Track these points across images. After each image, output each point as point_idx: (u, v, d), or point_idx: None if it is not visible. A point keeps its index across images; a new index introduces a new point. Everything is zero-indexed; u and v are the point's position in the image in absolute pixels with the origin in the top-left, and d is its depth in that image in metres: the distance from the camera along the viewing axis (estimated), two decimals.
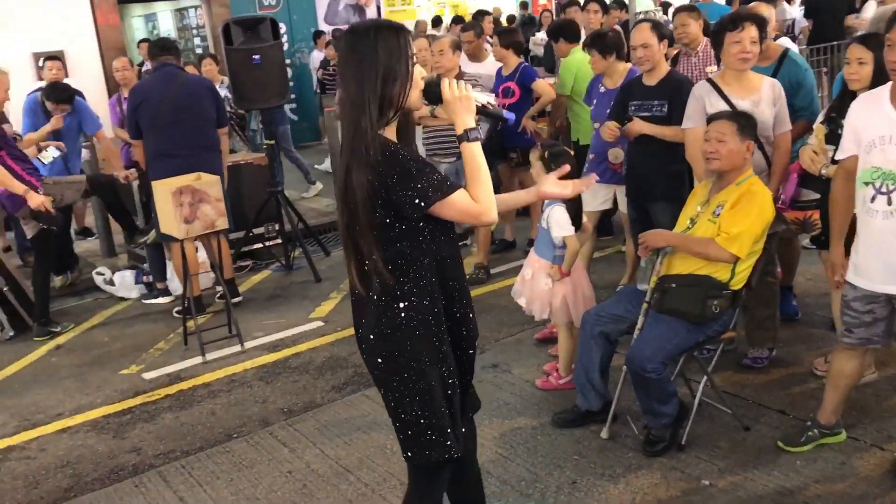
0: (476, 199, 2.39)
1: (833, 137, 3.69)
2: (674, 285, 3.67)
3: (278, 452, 4.05)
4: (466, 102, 2.43)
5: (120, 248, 7.91)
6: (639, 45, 4.68)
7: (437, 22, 13.52)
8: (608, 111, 5.15)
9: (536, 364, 4.74)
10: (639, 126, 4.70)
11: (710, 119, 3.84)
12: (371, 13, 14.75)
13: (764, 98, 4.15)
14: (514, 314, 5.30)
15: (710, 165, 3.75)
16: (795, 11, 12.00)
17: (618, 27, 7.71)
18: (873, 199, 3.18)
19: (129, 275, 6.93)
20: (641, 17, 8.04)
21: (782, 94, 4.20)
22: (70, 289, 6.98)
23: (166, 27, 16.35)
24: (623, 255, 6.17)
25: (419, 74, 2.42)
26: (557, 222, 4.11)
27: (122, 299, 6.82)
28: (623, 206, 5.36)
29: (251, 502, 3.65)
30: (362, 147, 2.30)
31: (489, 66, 6.88)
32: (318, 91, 12.57)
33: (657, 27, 4.75)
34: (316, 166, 10.87)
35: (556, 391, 4.39)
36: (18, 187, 5.67)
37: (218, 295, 6.37)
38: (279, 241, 7.31)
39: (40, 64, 8.53)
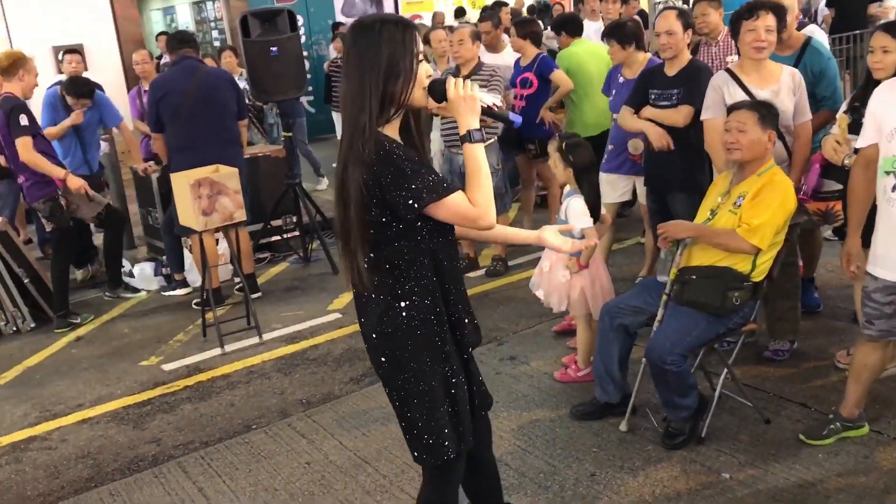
0: (474, 203, 2.31)
1: (856, 127, 3.64)
2: (694, 277, 3.64)
3: (297, 443, 4.06)
4: (471, 103, 2.37)
5: (139, 240, 7.97)
6: (663, 31, 4.66)
7: (460, 13, 13.46)
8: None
9: (555, 356, 4.73)
10: (648, 113, 4.69)
11: (731, 109, 3.80)
12: (388, 5, 14.72)
13: (783, 87, 4.10)
14: (532, 306, 5.29)
15: (732, 156, 3.71)
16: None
17: (637, 17, 7.65)
18: (894, 188, 3.14)
19: (148, 266, 6.97)
20: (663, 5, 7.97)
21: (802, 84, 4.14)
22: (91, 281, 7.03)
23: (184, 20, 16.40)
24: (642, 247, 6.14)
25: (424, 72, 2.37)
26: (576, 214, 4.08)
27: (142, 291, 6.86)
28: (642, 198, 5.32)
29: (270, 493, 3.66)
30: (359, 143, 2.26)
31: (507, 56, 6.86)
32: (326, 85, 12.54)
33: (683, 15, 4.72)
34: (334, 165, 10.88)
35: (575, 383, 4.37)
36: (57, 171, 5.81)
37: (237, 287, 6.39)
38: (297, 233, 7.32)
39: (60, 57, 8.58)
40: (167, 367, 5.23)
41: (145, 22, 16.04)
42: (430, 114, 7.02)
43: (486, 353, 4.89)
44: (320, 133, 12.72)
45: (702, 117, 4.34)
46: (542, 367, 4.64)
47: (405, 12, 14.58)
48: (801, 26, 5.29)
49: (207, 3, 15.29)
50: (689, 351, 3.59)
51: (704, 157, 4.57)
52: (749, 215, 3.56)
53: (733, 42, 5.18)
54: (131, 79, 10.41)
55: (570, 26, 6.88)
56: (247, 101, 8.49)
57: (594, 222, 4.11)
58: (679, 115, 4.59)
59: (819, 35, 5.27)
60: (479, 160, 2.35)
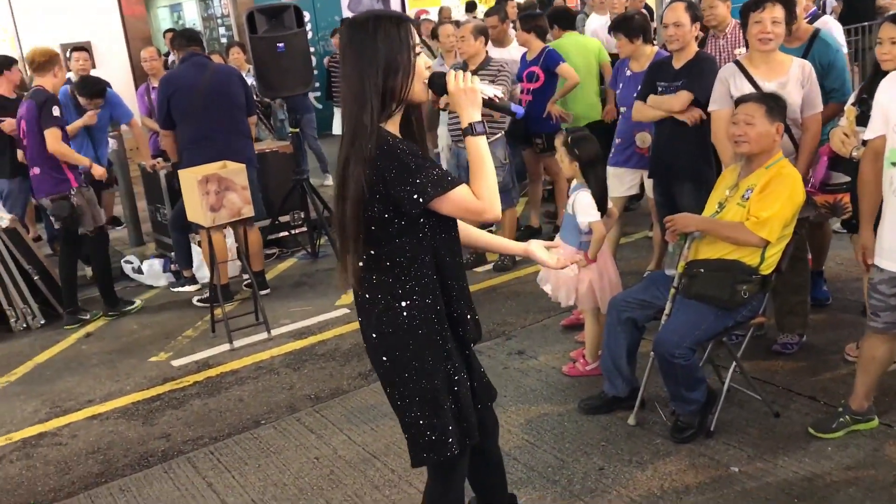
0: (479, 196, 2.30)
1: (864, 119, 3.62)
2: (702, 270, 3.63)
3: (305, 438, 4.07)
4: (472, 95, 2.35)
5: (148, 236, 7.99)
6: (671, 23, 4.65)
7: (471, 7, 13.42)
8: (635, 94, 5.12)
9: (563, 350, 4.72)
10: (650, 101, 4.71)
11: (738, 102, 3.79)
12: (395, 1, 14.71)
13: (791, 79, 4.08)
14: (539, 300, 5.29)
15: (740, 149, 3.70)
16: None
17: (644, 10, 7.62)
18: None
19: (157, 263, 7.00)
20: None
21: (812, 76, 4.12)
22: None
23: (191, 16, 16.42)
24: (650, 241, 6.13)
25: (423, 65, 2.36)
26: (583, 208, 4.08)
27: (151, 287, 6.89)
28: (650, 191, 5.31)
29: (279, 488, 3.67)
30: (362, 141, 2.25)
31: (514, 51, 6.85)
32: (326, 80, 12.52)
33: (691, 7, 4.70)
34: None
35: (583, 377, 4.37)
36: (84, 160, 6.00)
37: (245, 283, 6.40)
38: (304, 228, 7.34)
39: (67, 55, 8.61)
40: (176, 362, 5.24)
41: (152, 19, 16.07)
42: (438, 109, 7.05)
43: (493, 348, 4.89)
44: (324, 129, 12.73)
45: (709, 108, 4.33)
46: (550, 361, 4.64)
47: (411, 8, 14.57)
48: (814, 18, 5.27)
49: (214, 0, 15.30)
50: (698, 344, 3.58)
51: (710, 149, 4.56)
52: (757, 208, 3.54)
53: (741, 34, 5.19)
54: (139, 76, 10.43)
55: (563, 20, 6.94)
56: (254, 97, 8.52)
57: (601, 216, 4.11)
58: (677, 101, 4.58)
59: (833, 26, 5.25)
60: (483, 152, 2.34)
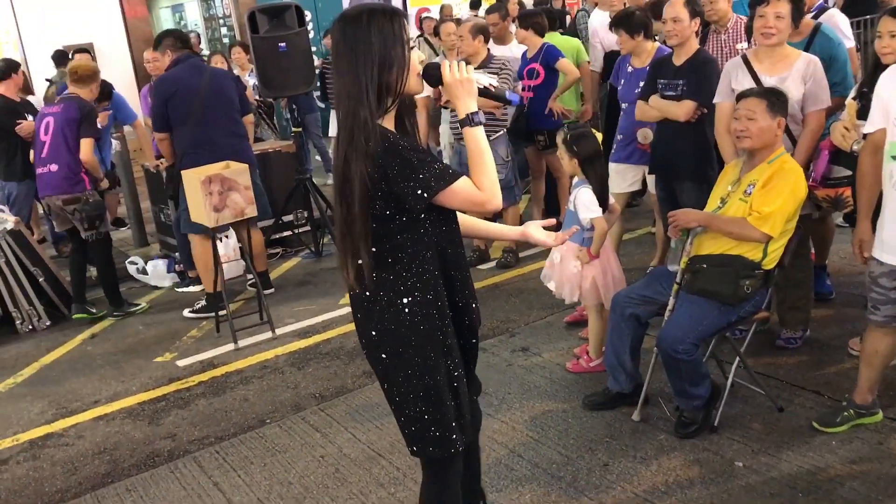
0: (480, 187, 2.31)
1: (865, 113, 3.62)
2: (705, 266, 3.64)
3: (311, 437, 4.08)
4: (468, 86, 2.35)
5: (152, 237, 8.01)
6: (669, 18, 4.66)
7: (475, 5, 13.41)
8: (637, 91, 5.13)
9: (567, 347, 4.73)
10: (652, 104, 4.74)
11: (740, 97, 3.79)
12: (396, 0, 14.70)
13: (793, 75, 4.08)
14: (543, 297, 5.29)
15: (741, 144, 3.70)
16: None
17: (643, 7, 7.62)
18: None
19: (161, 263, 7.01)
20: None
21: (817, 72, 4.10)
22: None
23: (193, 17, 16.44)
24: (653, 237, 6.13)
25: (416, 58, 2.35)
26: (585, 204, 4.09)
27: (156, 288, 6.91)
28: (653, 187, 5.31)
29: (284, 487, 3.69)
30: (361, 138, 2.23)
31: (515, 48, 6.85)
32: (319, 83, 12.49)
33: (691, 3, 4.70)
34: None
35: (587, 374, 4.37)
36: (100, 173, 6.15)
37: (249, 282, 6.42)
38: (308, 227, 7.35)
39: (70, 57, 8.64)
40: (181, 362, 5.26)
41: (154, 20, 16.09)
42: (441, 106, 7.06)
43: (497, 345, 4.90)
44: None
45: (714, 101, 4.37)
46: (554, 357, 4.64)
47: (413, 6, 14.56)
48: (821, 11, 5.26)
49: (216, 0, 15.32)
50: (701, 340, 3.59)
51: (712, 146, 4.58)
52: (760, 203, 3.55)
53: (742, 29, 5.19)
54: (141, 77, 10.45)
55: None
56: (257, 97, 8.54)
57: (602, 212, 4.11)
58: (680, 110, 4.59)
59: (840, 20, 5.24)
60: (482, 144, 2.34)
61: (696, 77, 4.61)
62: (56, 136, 5.88)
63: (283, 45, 6.53)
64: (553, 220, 2.87)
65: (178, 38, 6.27)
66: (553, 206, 7.08)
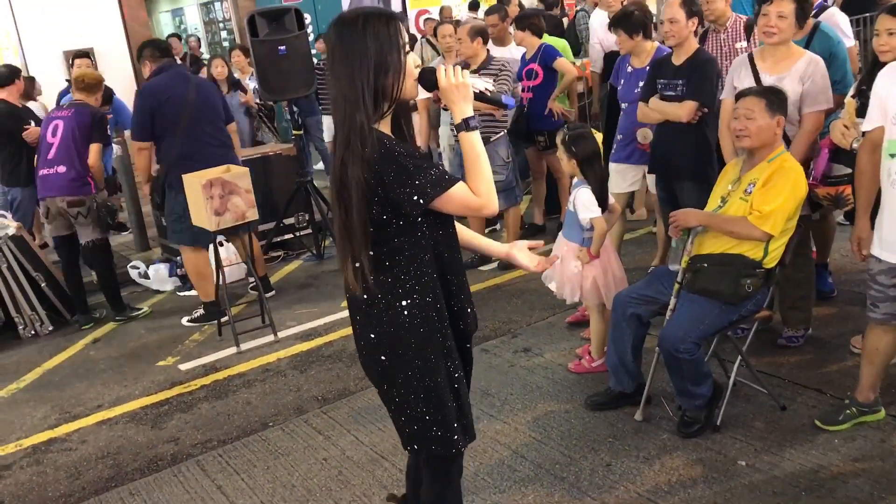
0: (476, 192, 2.31)
1: (864, 111, 3.62)
2: (706, 265, 3.64)
3: (313, 440, 4.09)
4: (464, 90, 2.34)
5: (153, 241, 8.02)
6: (666, 19, 4.68)
7: (474, 6, 13.43)
8: (636, 90, 5.13)
9: (569, 348, 4.73)
10: (653, 105, 4.76)
11: (739, 95, 3.79)
12: (396, 1, 14.71)
13: (792, 75, 4.08)
14: (544, 298, 5.30)
15: (741, 143, 3.71)
16: None
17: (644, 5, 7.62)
18: None
19: (163, 268, 7.02)
20: None
21: (818, 73, 4.09)
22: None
23: (193, 21, 16.47)
24: (654, 236, 6.13)
25: (412, 63, 2.35)
26: (584, 204, 4.09)
27: (158, 292, 6.92)
28: (653, 187, 5.32)
29: (288, 489, 3.69)
30: (358, 143, 2.22)
31: (515, 49, 6.86)
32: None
33: (688, 3, 4.70)
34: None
35: (589, 374, 4.37)
36: (102, 179, 6.14)
37: (251, 286, 6.42)
38: (309, 230, 7.36)
39: (70, 62, 8.65)
40: (184, 366, 5.27)
41: (154, 24, 16.13)
42: (441, 108, 7.04)
43: (499, 346, 4.90)
44: None
45: (720, 97, 4.42)
46: (556, 358, 4.65)
47: (412, 8, 14.57)
48: (821, 10, 5.26)
49: (215, 4, 15.34)
50: (703, 339, 3.59)
51: (712, 147, 4.59)
52: (760, 202, 3.55)
53: (742, 28, 5.20)
54: (141, 82, 10.45)
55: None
56: (257, 100, 8.56)
57: (602, 211, 4.11)
58: (682, 111, 4.59)
59: (840, 18, 5.25)
60: (478, 148, 2.34)
61: (696, 77, 4.62)
62: (65, 139, 5.91)
63: (282, 48, 6.54)
64: (541, 243, 2.85)
65: (156, 48, 6.10)
66: (554, 207, 7.10)
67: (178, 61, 11.68)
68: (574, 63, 7.01)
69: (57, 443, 4.47)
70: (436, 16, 12.21)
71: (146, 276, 7.05)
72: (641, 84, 5.07)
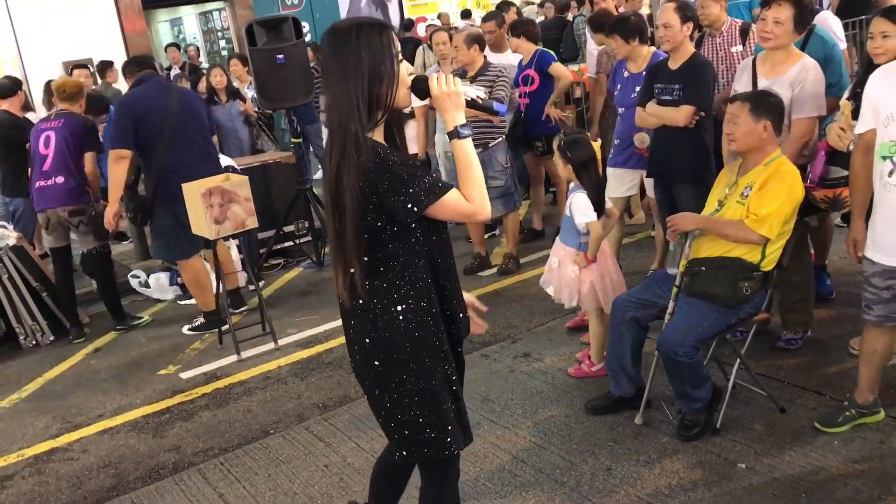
0: (469, 199, 2.35)
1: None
2: (703, 268, 3.65)
3: (314, 447, 4.09)
4: (456, 98, 2.38)
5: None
6: (661, 24, 4.71)
7: (466, 15, 13.49)
8: (633, 95, 5.15)
9: (568, 352, 4.74)
10: (650, 110, 4.78)
11: (731, 100, 3.82)
12: (393, 9, 14.77)
13: (783, 80, 4.10)
14: (544, 303, 5.31)
15: (729, 147, 3.78)
16: None
17: (641, 12, 7.65)
18: (891, 173, 3.15)
19: (163, 277, 7.03)
20: None
21: (809, 78, 4.09)
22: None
23: (191, 31, 16.52)
24: (653, 240, 6.14)
25: (405, 71, 2.38)
26: (579, 209, 4.11)
27: (158, 301, 6.94)
28: (651, 191, 5.33)
29: (289, 497, 3.69)
30: (353, 151, 2.25)
31: (512, 56, 6.88)
32: None
33: (682, 9, 4.72)
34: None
35: (589, 378, 4.38)
36: (97, 187, 6.16)
37: (251, 294, 6.44)
38: (309, 237, 7.37)
39: (69, 73, 8.68)
40: (185, 375, 5.28)
41: (153, 34, 16.17)
42: (438, 115, 7.00)
43: (499, 351, 4.91)
44: None
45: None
46: (556, 363, 4.65)
47: (410, 14, 14.62)
48: (814, 13, 5.28)
49: (214, 13, 15.39)
50: (701, 342, 3.60)
51: (709, 151, 4.61)
52: (757, 205, 3.56)
53: (737, 33, 5.22)
54: None
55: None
56: (256, 109, 8.58)
57: (598, 216, 4.13)
58: (679, 115, 4.61)
59: (832, 22, 5.26)
60: (470, 156, 2.38)
61: (693, 81, 4.63)
62: (60, 150, 5.93)
63: (280, 56, 6.56)
64: (483, 309, 2.80)
65: (134, 64, 6.10)
66: (553, 212, 7.12)
67: (178, 70, 11.76)
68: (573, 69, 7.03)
69: (59, 452, 4.48)
70: (437, 23, 12.27)
71: (147, 286, 7.06)
72: (638, 89, 5.09)
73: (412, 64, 10.00)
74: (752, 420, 3.77)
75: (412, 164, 2.34)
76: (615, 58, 6.13)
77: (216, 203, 5.15)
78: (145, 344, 5.98)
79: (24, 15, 11.17)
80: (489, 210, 2.41)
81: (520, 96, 6.53)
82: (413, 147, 6.81)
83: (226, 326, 5.58)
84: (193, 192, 5.20)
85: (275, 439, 4.24)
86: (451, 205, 2.33)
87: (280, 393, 4.82)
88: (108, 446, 4.46)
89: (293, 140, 7.35)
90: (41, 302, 6.24)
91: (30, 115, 7.77)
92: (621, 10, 8.33)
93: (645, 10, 8.05)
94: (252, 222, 5.35)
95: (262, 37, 6.58)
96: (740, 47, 5.18)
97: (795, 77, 4.10)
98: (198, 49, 14.49)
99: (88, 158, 6.01)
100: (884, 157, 3.17)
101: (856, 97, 3.86)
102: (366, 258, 2.36)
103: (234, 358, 5.38)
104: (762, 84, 4.08)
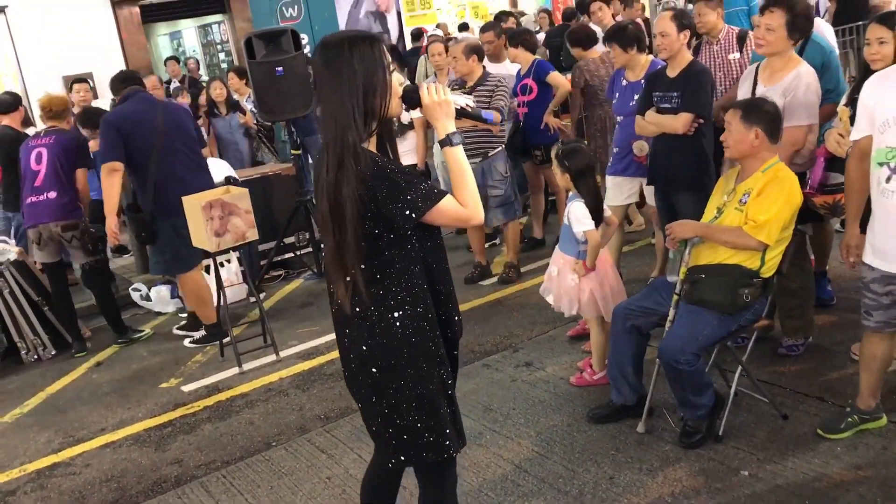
0: (463, 204, 2.42)
1: None
2: (703, 276, 3.65)
3: (317, 459, 4.09)
4: (446, 107, 2.45)
5: None
6: (658, 32, 4.73)
7: (463, 28, 13.55)
8: (632, 104, 5.16)
9: (570, 361, 4.74)
10: (649, 118, 4.81)
11: (727, 108, 3.84)
12: (392, 20, 14.81)
13: (779, 86, 4.11)
14: (545, 312, 5.30)
15: (726, 154, 3.78)
16: None
17: (639, 20, 7.68)
18: (888, 179, 3.15)
19: (164, 290, 7.03)
20: (663, 7, 8.03)
21: (801, 87, 4.07)
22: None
23: (191, 44, 16.57)
24: (653, 248, 6.14)
25: (397, 82, 2.43)
26: (577, 217, 4.11)
27: (159, 314, 6.94)
28: (650, 199, 5.33)
29: None
30: (351, 161, 2.29)
31: (510, 66, 6.90)
32: None
33: (678, 17, 4.74)
34: None
35: (591, 387, 4.38)
36: (87, 201, 6.15)
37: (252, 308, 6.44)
38: (310, 249, 7.38)
39: (69, 87, 8.71)
40: (186, 388, 5.28)
41: (153, 48, 16.21)
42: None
43: (501, 361, 4.91)
44: None
45: None
46: (557, 372, 4.65)
47: (409, 26, 14.66)
48: None
49: (213, 27, 15.43)
50: (702, 349, 3.60)
51: (708, 158, 4.62)
52: (755, 212, 3.57)
53: (735, 40, 5.24)
54: None
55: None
56: (255, 121, 8.60)
57: (596, 224, 4.13)
58: (678, 123, 4.62)
59: (826, 28, 5.28)
60: (462, 163, 2.45)
61: (691, 88, 4.64)
62: (52, 166, 5.94)
63: (280, 69, 6.58)
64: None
65: (118, 80, 6.06)
66: (554, 220, 7.12)
67: (178, 83, 11.78)
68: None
69: (61, 467, 4.48)
70: (439, 32, 12.32)
71: (148, 299, 7.07)
72: (636, 97, 5.11)
73: (416, 73, 10.06)
74: (755, 427, 3.76)
75: (408, 172, 2.40)
76: (593, 72, 6.22)
77: (216, 215, 5.15)
78: (147, 357, 5.98)
79: (24, 29, 11.21)
80: (482, 214, 2.48)
81: (518, 106, 6.55)
82: (412, 157, 6.83)
83: (227, 339, 5.59)
84: (194, 204, 5.20)
85: (277, 451, 4.24)
86: (447, 210, 2.39)
87: (282, 405, 4.81)
88: (111, 460, 4.46)
89: (293, 152, 7.36)
90: (43, 316, 6.25)
91: (30, 131, 7.79)
92: (619, 18, 8.39)
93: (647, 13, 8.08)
94: (252, 234, 5.36)
95: (262, 49, 6.60)
96: (737, 55, 5.20)
97: (788, 85, 4.10)
98: (197, 62, 14.53)
99: (81, 174, 6.04)
100: (880, 164, 3.18)
101: (853, 103, 3.87)
102: (363, 266, 2.40)
103: (235, 370, 5.38)
104: (759, 91, 4.09)
